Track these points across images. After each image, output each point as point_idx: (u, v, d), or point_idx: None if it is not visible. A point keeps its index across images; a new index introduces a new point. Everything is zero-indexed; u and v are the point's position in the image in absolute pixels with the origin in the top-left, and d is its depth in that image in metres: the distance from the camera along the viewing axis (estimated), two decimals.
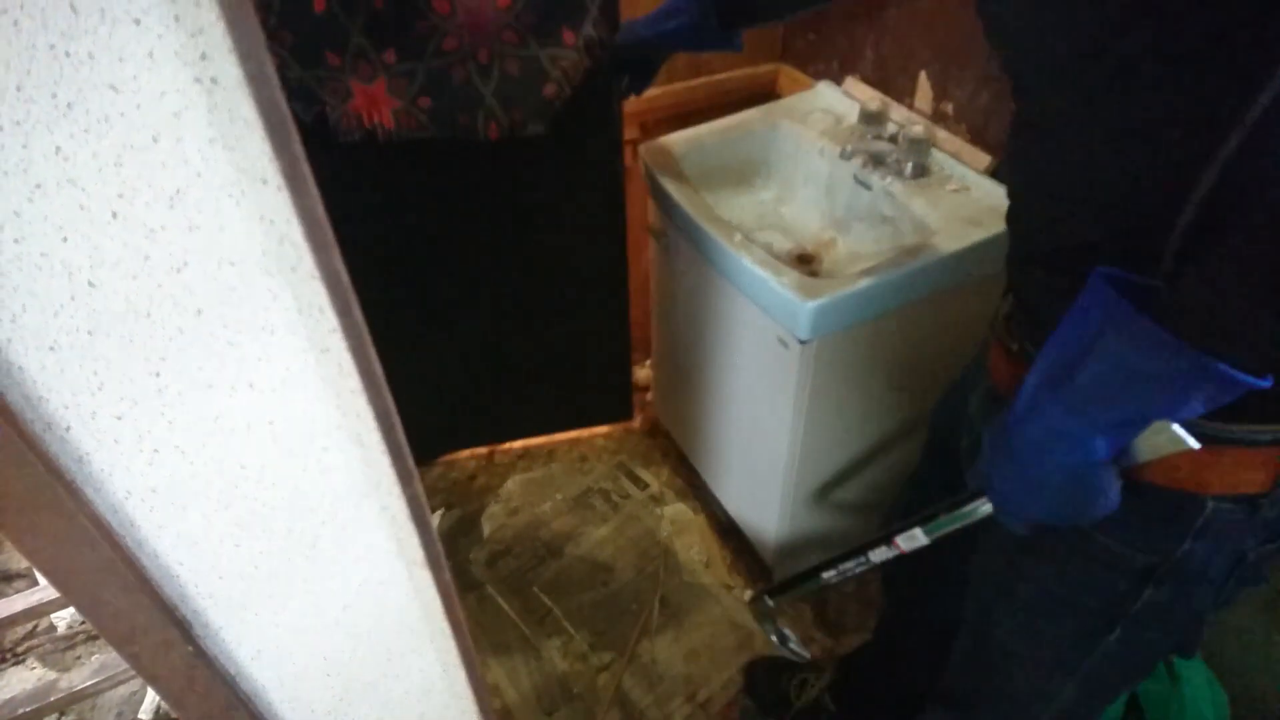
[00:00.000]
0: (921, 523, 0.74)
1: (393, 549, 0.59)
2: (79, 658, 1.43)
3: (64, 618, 1.43)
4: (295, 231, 0.42)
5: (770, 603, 1.02)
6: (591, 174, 1.42)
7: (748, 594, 1.55)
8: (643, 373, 1.99)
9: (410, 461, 0.56)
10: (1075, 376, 0.52)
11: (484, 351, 1.66)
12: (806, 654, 1.09)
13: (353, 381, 0.49)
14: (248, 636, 0.58)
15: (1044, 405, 0.55)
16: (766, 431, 1.35)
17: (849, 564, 0.85)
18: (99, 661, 0.91)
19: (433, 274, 1.49)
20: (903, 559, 0.89)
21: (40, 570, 0.46)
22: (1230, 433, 0.56)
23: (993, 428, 0.61)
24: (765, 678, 1.40)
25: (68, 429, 0.44)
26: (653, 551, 1.65)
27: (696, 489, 1.76)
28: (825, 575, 0.88)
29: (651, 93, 1.50)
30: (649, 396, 1.91)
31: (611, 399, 1.89)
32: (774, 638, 1.05)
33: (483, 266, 1.51)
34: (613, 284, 1.62)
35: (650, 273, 1.60)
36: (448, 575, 0.64)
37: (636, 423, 1.92)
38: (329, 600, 0.60)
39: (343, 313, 0.46)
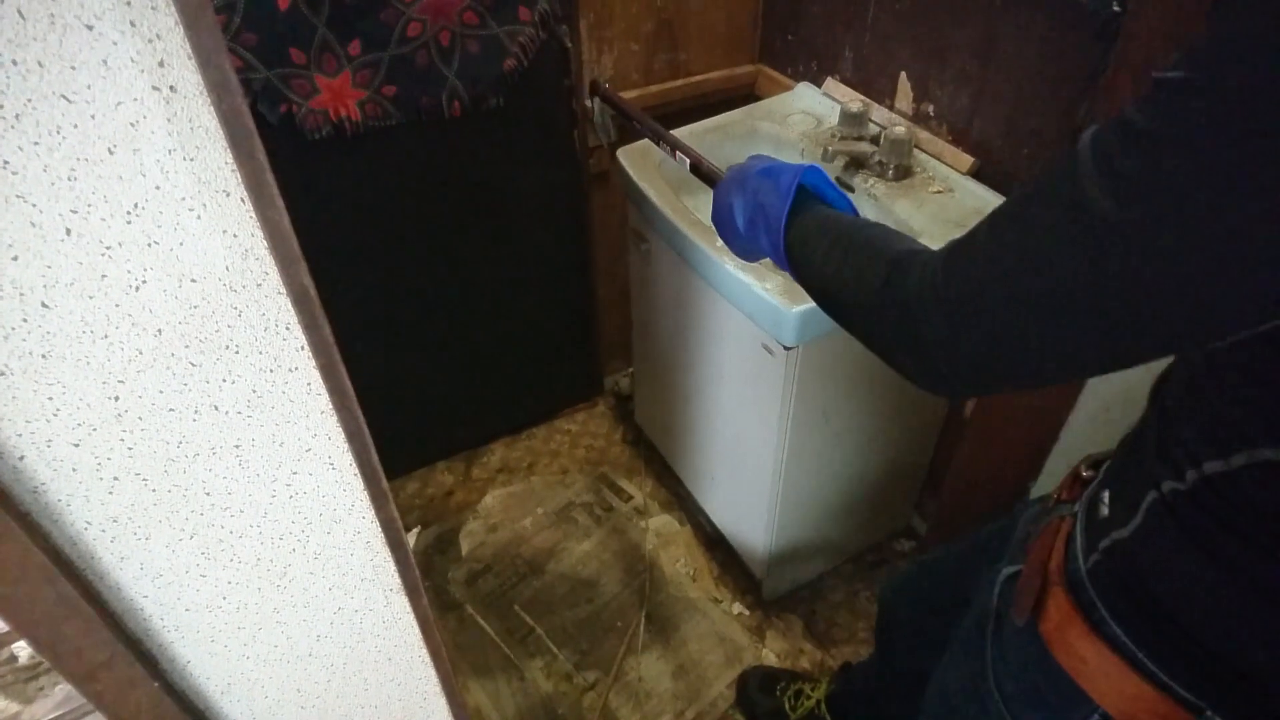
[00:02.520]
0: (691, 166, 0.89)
1: (367, 575, 0.57)
2: (42, 689, 1.38)
3: (25, 647, 1.39)
4: (260, 245, 0.40)
5: (599, 102, 1.18)
6: (549, 137, 1.47)
7: None
8: (625, 381, 1.97)
9: (384, 483, 0.53)
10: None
11: (452, 348, 1.67)
12: (612, 137, 1.26)
13: (322, 401, 0.47)
14: (217, 670, 0.55)
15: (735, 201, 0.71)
16: (752, 439, 1.33)
17: (652, 137, 1.02)
18: (63, 693, 0.87)
19: (398, 268, 1.49)
20: (896, 616, 1.02)
21: None
22: (1147, 665, 0.53)
23: (739, 179, 0.72)
24: (759, 689, 1.38)
25: (21, 458, 0.41)
26: (638, 565, 1.63)
27: (681, 499, 1.74)
28: (638, 127, 1.04)
29: (629, 94, 1.49)
30: (632, 405, 1.90)
31: (580, 378, 1.92)
32: (598, 124, 1.23)
33: (447, 252, 1.52)
34: (575, 251, 1.67)
35: (631, 279, 1.58)
36: (425, 601, 0.61)
37: (619, 432, 1.90)
38: (301, 631, 0.57)
39: (311, 329, 0.44)
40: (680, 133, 1.39)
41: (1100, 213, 0.38)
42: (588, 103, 1.23)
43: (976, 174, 1.23)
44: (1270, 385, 0.43)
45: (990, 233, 0.46)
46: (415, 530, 1.70)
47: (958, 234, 1.22)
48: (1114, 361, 0.43)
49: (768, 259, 0.71)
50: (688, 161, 0.90)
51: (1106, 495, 0.58)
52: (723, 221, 0.74)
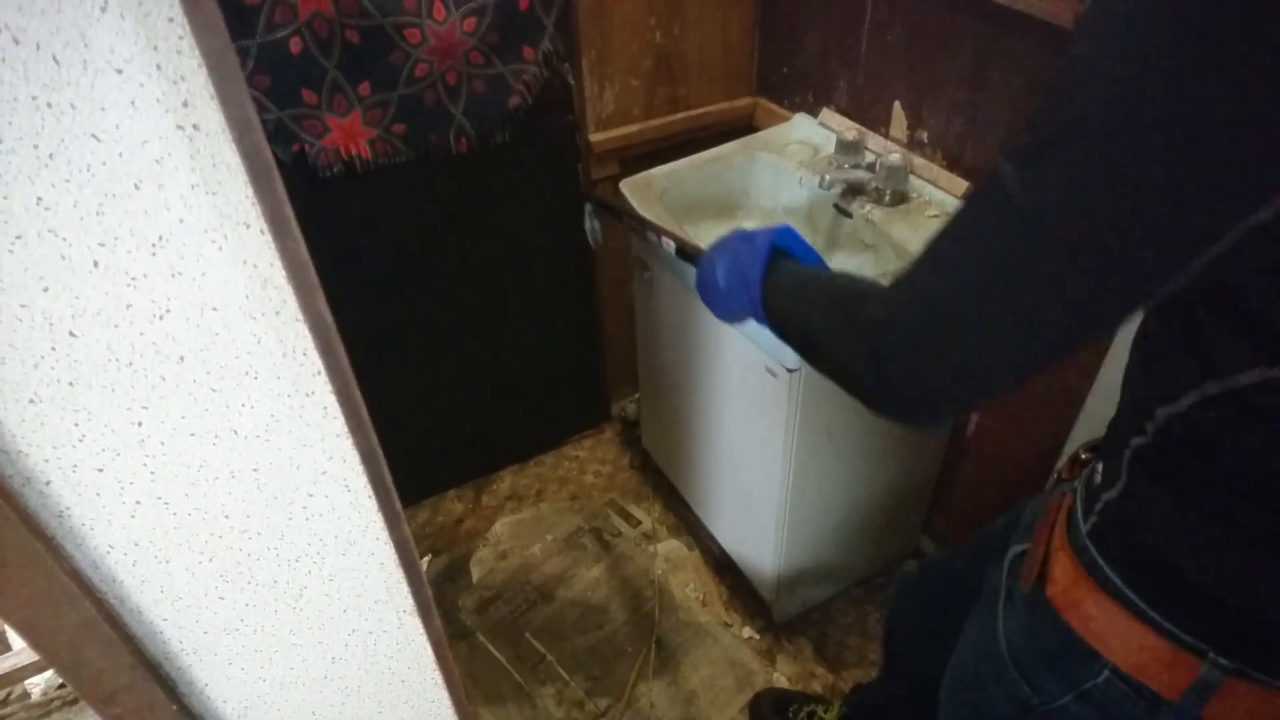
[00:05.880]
0: (676, 249, 0.99)
1: (381, 597, 0.58)
2: None
3: (38, 684, 1.39)
4: (278, 275, 0.42)
5: (590, 208, 1.27)
6: (553, 171, 1.51)
7: None
8: (631, 407, 1.98)
9: (397, 504, 0.55)
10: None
11: (461, 378, 1.69)
12: (600, 240, 1.32)
13: (338, 425, 0.48)
14: (234, 693, 0.56)
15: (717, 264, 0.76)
16: (758, 463, 1.34)
17: (639, 231, 1.08)
18: None
19: (407, 300, 1.52)
20: (904, 616, 1.04)
21: (17, 630, 0.45)
22: (1151, 615, 0.54)
23: (720, 246, 0.77)
24: (772, 710, 1.37)
25: (48, 483, 0.43)
26: (647, 591, 1.63)
27: (690, 524, 1.75)
28: (627, 224, 1.11)
29: (629, 128, 1.53)
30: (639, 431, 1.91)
31: (587, 405, 1.94)
32: (588, 228, 1.30)
33: (455, 285, 1.55)
34: (580, 281, 1.69)
35: (635, 307, 1.60)
36: (438, 622, 0.62)
37: (626, 458, 1.91)
38: (316, 653, 0.58)
39: (327, 355, 0.45)
40: (680, 164, 1.42)
41: (1012, 188, 0.43)
42: (586, 212, 1.33)
43: None
44: (1204, 328, 0.46)
45: (932, 248, 0.50)
46: (426, 558, 1.71)
47: None
48: (1069, 329, 0.45)
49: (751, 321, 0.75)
50: (673, 245, 1.01)
51: (1100, 466, 0.61)
52: (705, 286, 0.79)
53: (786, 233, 0.74)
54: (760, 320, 0.72)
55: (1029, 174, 0.42)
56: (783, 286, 0.69)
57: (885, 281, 0.56)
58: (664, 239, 1.02)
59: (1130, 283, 0.43)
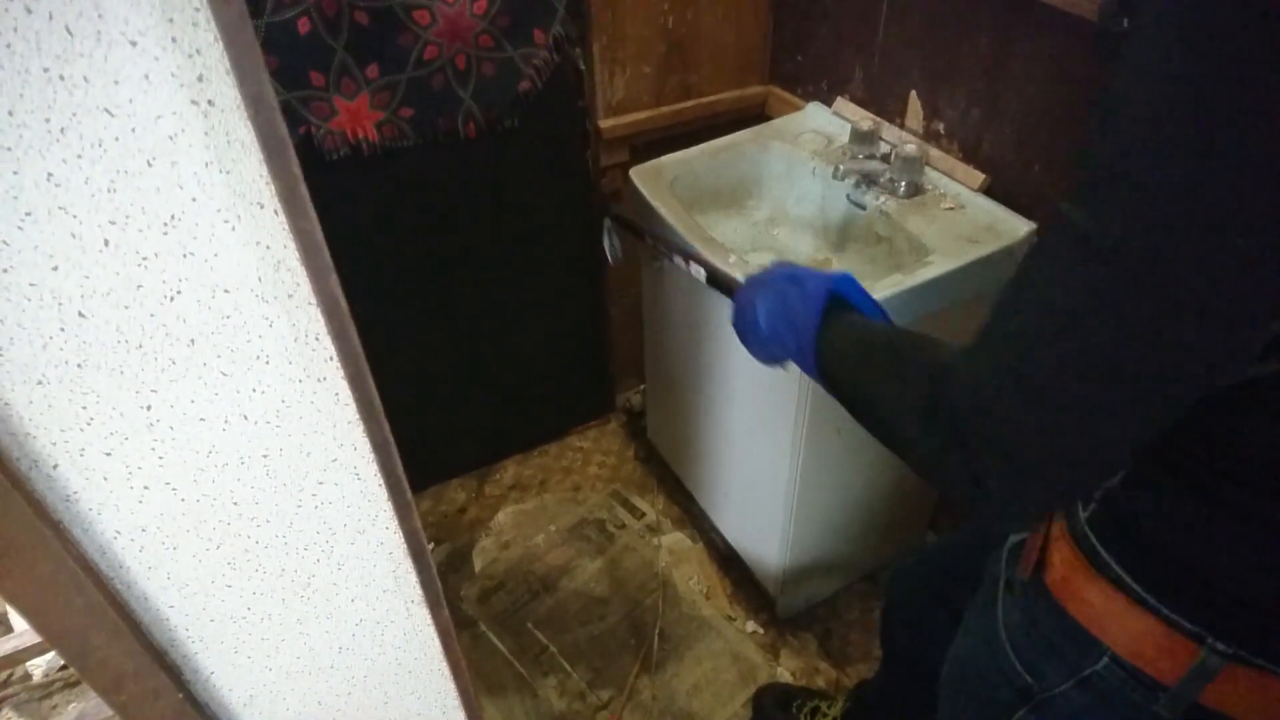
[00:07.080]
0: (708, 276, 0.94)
1: (390, 586, 0.57)
2: (55, 706, 1.38)
3: (39, 665, 1.39)
4: (292, 256, 0.41)
5: (609, 223, 1.29)
6: (562, 157, 1.50)
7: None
8: (637, 398, 1.97)
9: (408, 494, 0.54)
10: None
11: (466, 366, 1.68)
12: (619, 258, 1.35)
13: (350, 411, 0.47)
14: (240, 681, 0.55)
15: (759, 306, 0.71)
16: (765, 456, 1.33)
17: (667, 253, 1.06)
18: (77, 710, 0.88)
19: (412, 286, 1.51)
20: (900, 605, 1.04)
21: (23, 615, 0.44)
22: (1150, 601, 0.54)
23: (763, 283, 0.72)
24: (775, 705, 1.37)
25: (55, 466, 0.42)
26: (650, 583, 1.62)
27: (694, 517, 1.74)
28: (652, 245, 1.08)
29: (640, 115, 1.51)
30: (644, 422, 1.90)
31: (593, 396, 1.93)
32: (606, 244, 1.33)
33: (461, 271, 1.54)
34: (587, 269, 1.68)
35: (643, 297, 1.59)
36: (446, 613, 0.62)
37: (631, 449, 1.90)
38: (324, 642, 0.57)
39: (340, 340, 0.44)
40: (691, 153, 1.40)
41: (1089, 232, 0.40)
42: (605, 227, 1.32)
43: (988, 190, 1.23)
44: None
45: (1002, 313, 0.46)
46: (429, 547, 1.70)
47: (969, 249, 1.22)
48: (1179, 378, 0.42)
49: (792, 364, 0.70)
50: (704, 273, 0.92)
51: None
52: (744, 324, 0.73)
53: (846, 280, 0.67)
54: (809, 371, 0.66)
55: (1096, 211, 0.40)
56: (842, 342, 0.63)
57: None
58: (692, 264, 0.95)
59: (1231, 319, 0.39)
